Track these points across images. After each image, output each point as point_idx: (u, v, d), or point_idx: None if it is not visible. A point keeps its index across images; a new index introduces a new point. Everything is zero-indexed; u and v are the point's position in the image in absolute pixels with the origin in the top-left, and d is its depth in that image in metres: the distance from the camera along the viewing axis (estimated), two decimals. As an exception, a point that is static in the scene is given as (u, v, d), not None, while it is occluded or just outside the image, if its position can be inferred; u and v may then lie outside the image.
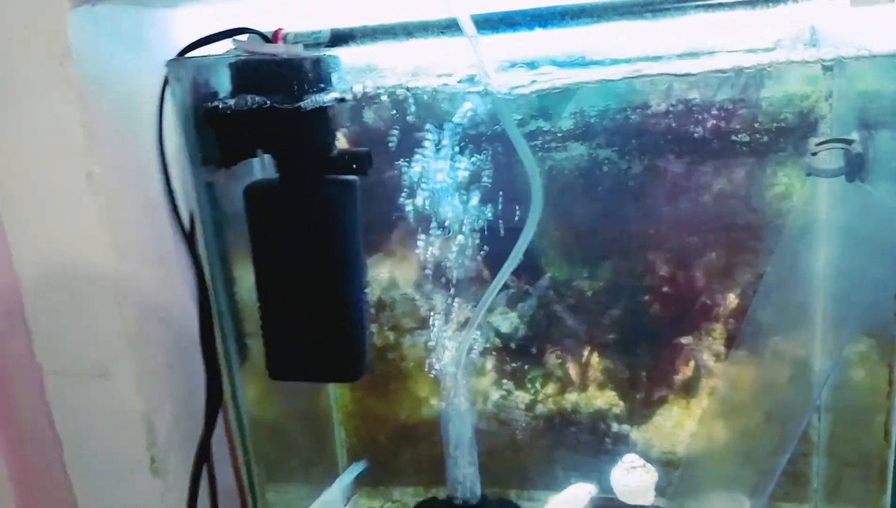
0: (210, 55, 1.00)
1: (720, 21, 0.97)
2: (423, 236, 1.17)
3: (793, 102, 1.10)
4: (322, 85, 0.96)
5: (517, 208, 1.12)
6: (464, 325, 1.18)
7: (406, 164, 1.12)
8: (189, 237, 1.10)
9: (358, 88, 0.94)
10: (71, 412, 1.09)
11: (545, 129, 1.17)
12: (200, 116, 0.96)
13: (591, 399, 1.30)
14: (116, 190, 1.00)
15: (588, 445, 1.32)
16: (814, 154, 1.03)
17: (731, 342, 1.22)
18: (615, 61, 0.97)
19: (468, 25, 0.90)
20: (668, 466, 1.27)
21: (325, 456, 1.41)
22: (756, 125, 1.12)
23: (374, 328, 1.29)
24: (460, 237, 1.16)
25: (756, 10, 0.93)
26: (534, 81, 0.92)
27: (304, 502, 1.24)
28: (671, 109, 1.13)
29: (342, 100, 0.94)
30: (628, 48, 0.97)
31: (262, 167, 1.06)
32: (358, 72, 1.02)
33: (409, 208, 1.15)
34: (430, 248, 1.18)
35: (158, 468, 1.09)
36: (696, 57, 0.96)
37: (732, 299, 1.21)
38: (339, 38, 1.01)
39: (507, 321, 1.29)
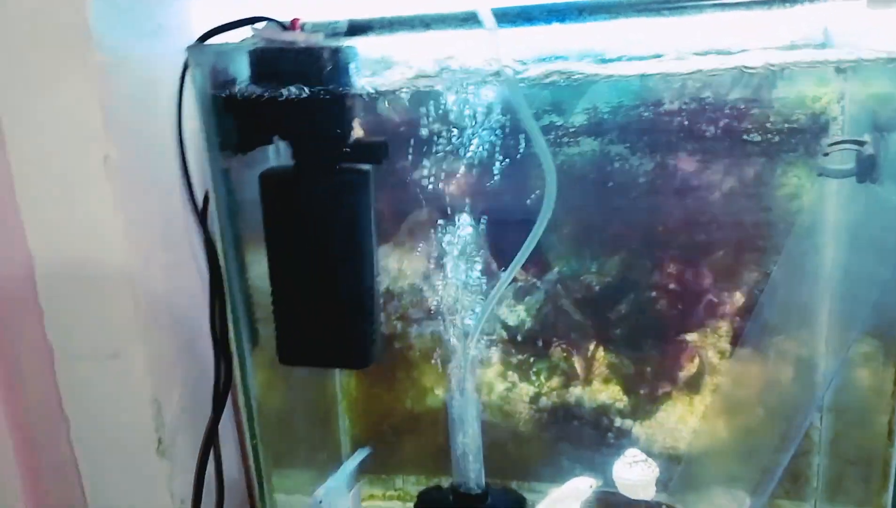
0: (229, 42, 1.00)
1: (734, 21, 0.97)
2: (433, 228, 1.17)
3: (805, 103, 1.11)
4: (339, 75, 0.96)
5: (529, 200, 1.12)
6: (473, 316, 1.18)
7: (419, 155, 1.13)
8: (203, 222, 1.11)
9: (377, 81, 0.94)
10: (79, 393, 1.09)
11: (558, 123, 1.17)
12: (219, 102, 0.96)
13: (595, 394, 1.31)
14: (132, 174, 1.00)
15: (591, 439, 1.32)
16: (826, 155, 1.04)
17: (736, 340, 1.22)
18: (630, 58, 0.98)
19: (488, 18, 0.90)
20: (670, 461, 1.27)
21: (329, 443, 1.41)
22: (768, 125, 1.12)
23: (382, 317, 1.30)
24: (471, 229, 1.16)
25: (773, 10, 0.93)
26: (550, 74, 0.93)
27: (307, 488, 1.24)
28: (684, 106, 1.13)
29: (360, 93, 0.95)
30: (644, 45, 0.97)
31: (276, 154, 1.07)
32: (373, 63, 1.02)
33: (420, 199, 1.16)
34: (439, 239, 1.18)
35: (165, 450, 1.10)
36: (712, 55, 0.96)
37: (739, 298, 1.21)
38: (357, 28, 1.02)
39: (514, 314, 1.30)
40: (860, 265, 1.10)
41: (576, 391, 1.31)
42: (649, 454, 1.22)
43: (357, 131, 1.04)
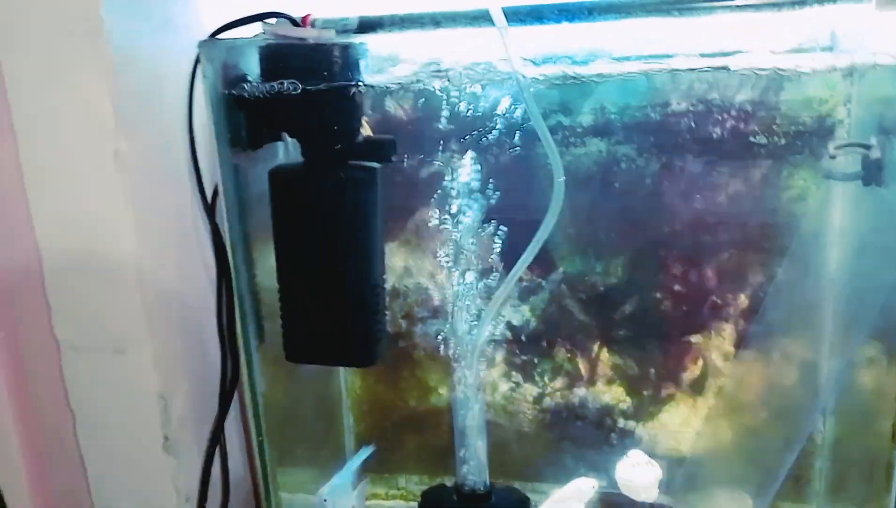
0: (240, 38, 1.00)
1: (743, 22, 0.97)
2: (439, 227, 1.17)
3: (811, 105, 1.11)
4: (349, 72, 0.96)
5: (535, 200, 1.12)
6: (478, 316, 1.18)
7: (425, 152, 1.13)
8: (211, 216, 1.11)
9: (386, 78, 0.95)
10: (85, 387, 1.10)
11: (565, 124, 1.18)
12: (229, 98, 0.96)
13: (598, 394, 1.31)
14: (142, 169, 1.01)
15: (594, 440, 1.33)
16: (832, 158, 1.04)
17: (740, 342, 1.23)
18: (638, 58, 0.98)
19: (499, 16, 0.91)
20: (673, 463, 1.27)
21: (333, 441, 1.42)
22: (774, 127, 1.13)
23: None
24: (477, 228, 1.16)
25: (782, 13, 0.93)
26: (562, 74, 0.93)
27: (311, 485, 1.25)
28: (690, 108, 1.14)
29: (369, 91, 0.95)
30: (653, 45, 0.98)
31: (285, 151, 1.07)
32: (382, 60, 1.03)
33: (427, 197, 1.16)
34: (446, 238, 1.19)
35: (171, 446, 1.10)
36: (719, 57, 0.96)
37: (743, 300, 1.22)
38: (367, 25, 1.02)
39: (519, 314, 1.30)
40: (865, 268, 1.11)
41: (579, 392, 1.32)
42: (652, 455, 1.22)
43: (366, 129, 1.04)
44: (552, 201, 1.02)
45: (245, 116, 0.99)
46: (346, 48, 0.96)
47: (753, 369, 1.23)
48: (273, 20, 0.98)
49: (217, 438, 1.20)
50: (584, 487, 1.23)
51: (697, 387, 1.27)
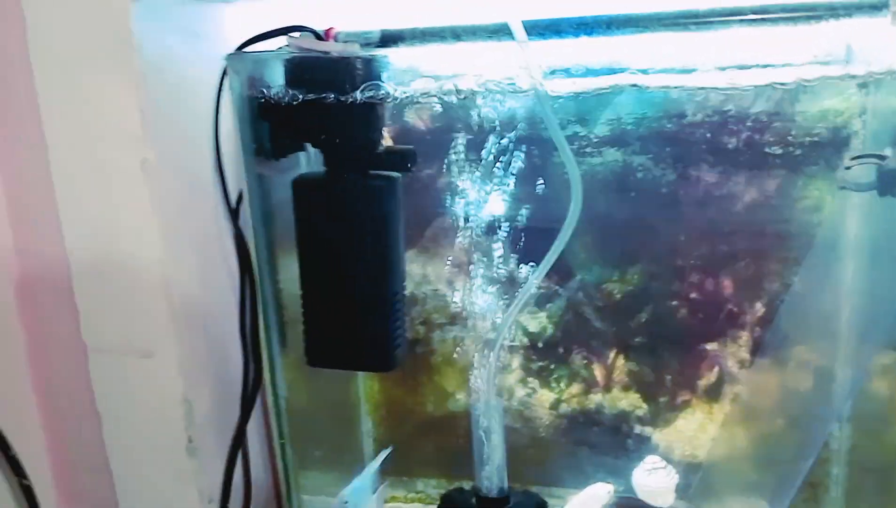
0: (266, 51, 1.02)
1: (759, 36, 0.98)
2: (458, 235, 1.19)
3: (826, 117, 1.12)
4: (371, 84, 0.98)
5: (553, 209, 1.14)
6: (497, 322, 1.20)
7: (444, 162, 1.15)
8: (235, 223, 1.13)
9: (407, 91, 0.96)
10: (112, 390, 1.12)
11: (581, 134, 1.19)
12: (255, 109, 0.98)
13: (615, 401, 1.32)
14: (168, 177, 1.03)
15: (610, 445, 1.33)
16: (848, 168, 1.05)
17: (756, 350, 1.23)
18: (656, 71, 0.99)
19: (519, 30, 0.93)
20: (690, 469, 1.28)
21: (352, 445, 1.43)
22: (789, 138, 1.13)
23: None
24: (495, 237, 1.18)
25: (798, 27, 0.94)
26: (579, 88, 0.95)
27: (331, 489, 1.26)
28: (706, 119, 1.15)
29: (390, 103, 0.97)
30: (670, 59, 0.99)
31: (307, 160, 1.09)
32: (403, 73, 1.04)
33: (445, 206, 1.18)
34: (464, 246, 1.20)
35: (195, 449, 1.12)
36: (737, 70, 0.98)
37: (759, 308, 1.22)
38: (389, 38, 1.04)
39: (536, 321, 1.31)
40: (880, 277, 1.11)
41: (596, 398, 1.33)
42: (668, 461, 1.23)
43: (386, 139, 1.06)
44: (570, 210, 1.04)
45: (269, 127, 1.01)
46: (368, 61, 0.97)
47: (769, 376, 1.23)
48: (297, 34, 0.99)
49: (239, 440, 1.21)
50: (601, 492, 1.24)
51: (713, 394, 1.28)
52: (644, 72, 0.99)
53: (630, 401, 1.31)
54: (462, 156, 1.14)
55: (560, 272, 1.27)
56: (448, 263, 1.23)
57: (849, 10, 0.93)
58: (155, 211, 1.02)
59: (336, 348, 1.09)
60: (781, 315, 1.19)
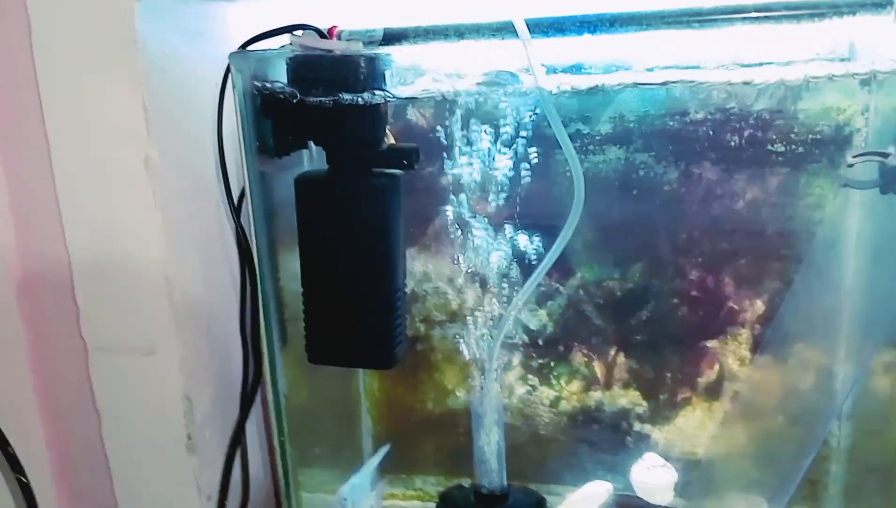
0: (269, 49, 1.02)
1: (762, 34, 0.99)
2: (458, 232, 1.19)
3: (829, 114, 1.12)
4: (374, 83, 0.98)
5: (555, 206, 1.14)
6: (498, 319, 1.20)
7: (446, 160, 1.15)
8: (237, 220, 1.13)
9: (410, 89, 0.96)
10: (112, 388, 1.12)
11: (584, 132, 1.19)
12: (258, 107, 0.98)
13: (615, 398, 1.32)
14: (171, 176, 1.03)
15: (610, 442, 1.34)
16: (850, 166, 1.05)
17: (756, 347, 1.24)
18: (659, 69, 1.00)
19: (522, 29, 0.92)
20: (689, 466, 1.28)
21: (351, 443, 1.43)
22: (792, 136, 1.14)
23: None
24: (496, 234, 1.18)
25: (801, 25, 0.94)
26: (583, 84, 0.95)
27: (330, 486, 1.26)
28: (709, 117, 1.15)
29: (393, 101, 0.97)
30: (674, 56, 0.99)
31: (310, 158, 1.09)
32: (406, 71, 1.04)
33: (446, 204, 1.18)
34: (464, 243, 1.20)
35: (194, 445, 1.12)
36: (740, 68, 0.98)
37: (760, 306, 1.23)
38: (392, 37, 1.03)
39: (536, 318, 1.31)
40: (882, 275, 1.12)
41: (596, 396, 1.33)
42: (668, 458, 1.23)
43: (389, 137, 1.06)
44: (572, 207, 1.04)
45: (272, 125, 1.01)
46: (371, 59, 0.97)
47: (769, 373, 1.23)
48: (300, 32, 0.99)
49: (238, 438, 1.22)
50: (600, 490, 1.24)
51: (713, 391, 1.28)
52: (647, 69, 0.99)
53: (630, 398, 1.31)
54: (464, 153, 1.14)
55: (561, 270, 1.27)
56: (458, 261, 1.23)
57: (852, 8, 0.93)
58: (157, 209, 1.02)
59: (337, 345, 1.09)
60: (782, 313, 1.19)
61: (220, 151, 1.09)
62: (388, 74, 0.99)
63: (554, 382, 1.34)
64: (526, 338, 1.32)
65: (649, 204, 1.21)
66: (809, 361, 1.21)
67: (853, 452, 1.24)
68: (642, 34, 0.98)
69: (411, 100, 1.00)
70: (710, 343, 1.27)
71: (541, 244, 1.17)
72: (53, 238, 1.05)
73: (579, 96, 1.08)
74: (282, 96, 0.97)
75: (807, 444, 1.17)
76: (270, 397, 1.14)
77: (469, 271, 1.22)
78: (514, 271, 1.22)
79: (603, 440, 1.34)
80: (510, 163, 1.15)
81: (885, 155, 1.03)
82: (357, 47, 0.98)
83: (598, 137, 1.19)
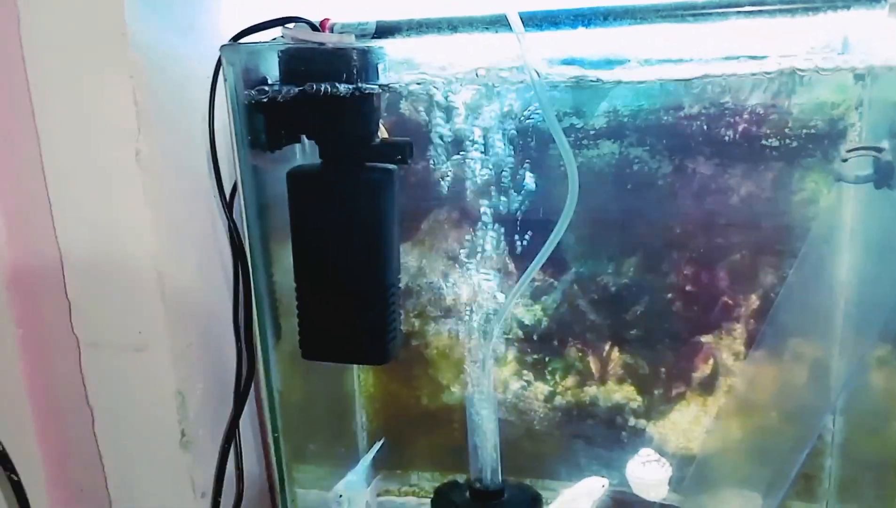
0: (261, 42, 1.02)
1: (757, 27, 0.98)
2: (453, 227, 1.19)
3: (823, 109, 1.12)
4: (367, 76, 0.98)
5: (549, 201, 1.14)
6: (492, 314, 1.20)
7: (439, 155, 1.15)
8: (229, 214, 1.12)
9: (403, 82, 0.96)
10: (105, 384, 1.11)
11: (578, 126, 1.19)
12: (250, 101, 0.98)
13: (609, 393, 1.32)
14: (162, 170, 1.02)
15: (605, 438, 1.34)
16: (844, 160, 1.05)
17: (751, 342, 1.24)
18: (653, 62, 0.99)
19: (516, 22, 0.92)
20: (683, 461, 1.28)
21: (346, 438, 1.43)
22: (786, 130, 1.13)
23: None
24: (490, 229, 1.18)
25: (796, 18, 0.94)
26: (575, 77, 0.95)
27: (325, 482, 1.26)
28: (703, 111, 1.15)
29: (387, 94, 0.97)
30: (667, 50, 0.99)
31: (303, 152, 1.09)
32: (399, 65, 1.04)
33: (440, 198, 1.17)
34: (459, 238, 1.20)
35: (188, 442, 1.12)
36: (734, 61, 0.98)
37: (754, 301, 1.23)
38: (385, 30, 1.03)
39: (531, 314, 1.31)
40: (876, 270, 1.12)
41: (590, 391, 1.33)
42: (662, 453, 1.23)
43: (382, 131, 1.05)
44: (566, 202, 1.03)
45: (264, 119, 1.00)
46: (364, 52, 0.97)
47: (764, 369, 1.23)
48: (292, 25, 0.99)
49: (232, 434, 1.21)
50: (595, 486, 1.24)
51: (708, 386, 1.28)
52: (641, 63, 0.99)
53: (625, 394, 1.31)
54: (457, 146, 1.14)
55: (555, 265, 1.27)
56: (448, 257, 1.22)
57: (847, 2, 0.93)
58: (149, 204, 1.01)
59: (331, 340, 1.09)
60: (777, 308, 1.19)
61: (212, 146, 1.08)
62: (379, 67, 0.98)
63: (549, 377, 1.34)
64: (521, 333, 1.31)
65: (644, 199, 1.21)
66: (804, 356, 1.21)
67: (847, 447, 1.24)
68: (637, 28, 0.98)
69: (404, 93, 1.00)
70: (705, 338, 1.27)
71: (537, 238, 1.16)
72: (45, 234, 1.04)
73: (573, 90, 1.07)
74: (273, 90, 0.97)
75: (801, 439, 1.17)
76: (264, 393, 1.14)
77: (463, 266, 1.21)
78: (509, 266, 1.21)
79: (598, 435, 1.34)
80: (505, 156, 1.15)
81: (880, 149, 1.03)
82: (349, 40, 0.98)
83: (592, 132, 1.19)
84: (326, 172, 1.02)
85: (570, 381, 1.33)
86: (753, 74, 0.97)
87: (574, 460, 1.35)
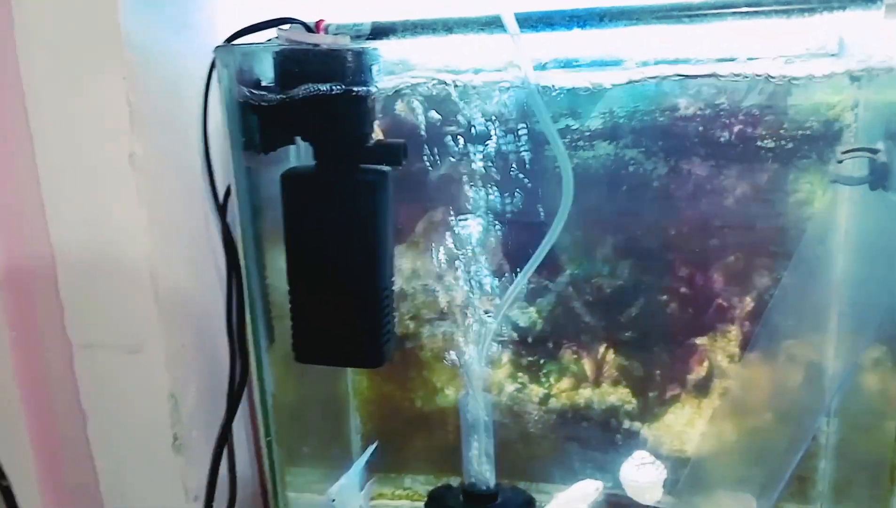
0: (255, 43, 1.01)
1: (752, 28, 0.98)
2: (447, 229, 1.19)
3: (818, 110, 1.12)
4: (362, 77, 0.97)
5: (543, 203, 1.14)
6: (487, 317, 1.20)
7: (434, 156, 1.14)
8: (222, 216, 1.12)
9: (398, 83, 0.96)
10: (98, 387, 1.11)
11: (573, 127, 1.19)
12: (244, 102, 0.97)
13: (604, 395, 1.32)
14: (155, 171, 1.02)
15: (599, 440, 1.33)
16: (840, 162, 1.05)
17: (745, 344, 1.24)
18: (648, 63, 1.00)
19: (511, 23, 0.92)
20: (678, 464, 1.28)
21: (340, 442, 1.42)
22: (781, 132, 1.14)
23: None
24: (485, 231, 1.18)
25: (791, 19, 0.94)
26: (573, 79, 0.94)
27: (318, 486, 1.25)
28: (699, 112, 1.15)
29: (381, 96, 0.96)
30: (661, 51, 0.99)
31: (297, 154, 1.08)
32: (395, 66, 1.04)
33: (435, 200, 1.17)
34: (453, 240, 1.20)
35: (180, 445, 1.11)
36: (730, 63, 0.98)
37: (749, 302, 1.23)
38: (380, 31, 1.03)
39: (525, 316, 1.31)
40: (871, 272, 1.12)
41: (585, 393, 1.32)
42: (657, 456, 1.23)
43: (377, 133, 1.05)
44: (561, 204, 1.03)
45: (258, 120, 1.00)
46: (358, 54, 0.96)
47: (759, 370, 1.23)
48: (287, 26, 0.98)
49: (225, 437, 1.21)
50: (589, 489, 1.24)
51: (702, 388, 1.28)
52: (637, 64, 0.99)
53: (619, 396, 1.31)
54: (452, 149, 1.14)
55: (550, 267, 1.26)
56: (443, 259, 1.22)
57: (842, 3, 0.93)
58: (142, 205, 1.01)
59: (324, 344, 1.08)
60: (771, 309, 1.19)
61: (205, 147, 1.08)
62: (374, 68, 0.98)
63: (543, 379, 1.34)
64: (515, 335, 1.31)
65: (639, 201, 1.21)
66: (798, 357, 1.21)
67: (842, 448, 1.24)
68: (632, 29, 0.98)
69: (399, 94, 0.99)
70: (700, 340, 1.27)
71: (532, 240, 1.16)
72: (37, 235, 1.04)
73: (568, 92, 1.07)
74: (268, 91, 0.97)
75: (795, 441, 1.17)
76: (257, 395, 1.13)
77: (458, 268, 1.21)
78: (504, 268, 1.21)
79: (592, 437, 1.34)
80: (500, 158, 1.15)
81: (875, 151, 1.03)
82: (344, 42, 0.97)
83: (587, 133, 1.19)
84: (320, 173, 1.02)
85: (565, 383, 1.33)
86: (746, 77, 0.97)
87: (568, 463, 1.35)
